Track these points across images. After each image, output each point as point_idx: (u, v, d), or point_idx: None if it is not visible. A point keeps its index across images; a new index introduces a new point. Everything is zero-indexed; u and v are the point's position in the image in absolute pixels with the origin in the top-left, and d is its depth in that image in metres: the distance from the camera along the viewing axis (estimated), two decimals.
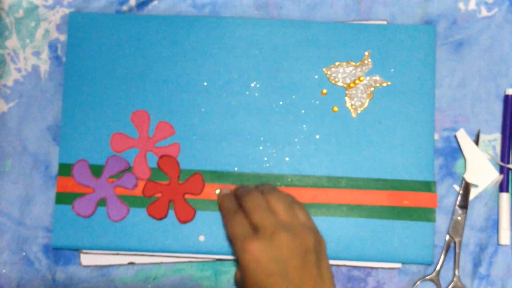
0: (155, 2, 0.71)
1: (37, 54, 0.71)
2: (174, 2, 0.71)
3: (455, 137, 0.69)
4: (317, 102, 0.68)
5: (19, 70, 0.70)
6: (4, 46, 0.71)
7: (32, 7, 0.71)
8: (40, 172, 0.69)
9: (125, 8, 0.71)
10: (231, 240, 0.60)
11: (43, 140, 0.69)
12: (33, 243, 0.68)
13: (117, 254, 0.67)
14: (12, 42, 0.71)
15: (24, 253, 0.68)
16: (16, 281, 0.68)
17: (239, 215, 0.60)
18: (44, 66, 0.70)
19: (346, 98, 0.68)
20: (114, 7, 0.71)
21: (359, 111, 0.68)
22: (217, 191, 0.66)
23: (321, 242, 0.60)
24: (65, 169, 0.68)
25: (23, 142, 0.69)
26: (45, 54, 0.71)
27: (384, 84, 0.68)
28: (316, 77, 0.68)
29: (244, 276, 0.58)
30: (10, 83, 0.70)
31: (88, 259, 0.68)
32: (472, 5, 0.70)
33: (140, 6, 0.71)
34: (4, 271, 0.68)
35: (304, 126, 0.68)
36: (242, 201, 0.61)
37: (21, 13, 0.71)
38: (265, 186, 0.63)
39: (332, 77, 0.68)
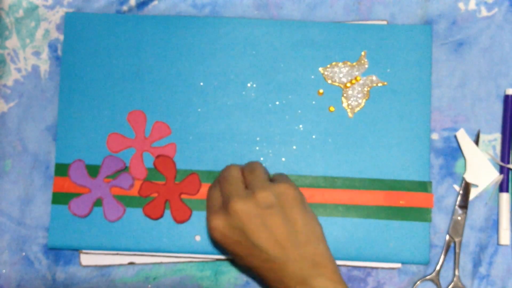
0: (155, 2, 0.71)
1: (37, 54, 0.71)
2: (174, 2, 0.71)
3: (455, 137, 0.69)
4: (314, 102, 0.68)
5: (19, 70, 0.70)
6: (4, 46, 0.71)
7: (32, 7, 0.71)
8: (40, 172, 0.69)
9: (125, 8, 0.71)
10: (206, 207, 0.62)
11: (43, 140, 0.69)
12: (33, 243, 0.68)
13: (117, 254, 0.67)
14: (12, 42, 0.71)
15: (24, 253, 0.68)
16: (16, 281, 0.68)
17: (214, 189, 0.61)
18: (44, 66, 0.70)
19: (343, 98, 0.68)
20: (114, 7, 0.71)
21: (355, 111, 0.68)
22: None
23: (286, 191, 0.59)
24: (61, 169, 0.68)
25: (23, 142, 0.69)
26: (45, 54, 0.71)
27: (380, 84, 0.68)
28: (313, 77, 0.68)
29: (226, 251, 0.60)
30: (10, 83, 0.70)
31: (88, 259, 0.68)
32: (472, 5, 0.70)
33: (140, 6, 0.71)
34: (4, 271, 0.68)
35: (300, 126, 0.68)
36: (222, 173, 0.62)
37: (21, 13, 0.71)
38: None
39: (328, 77, 0.68)
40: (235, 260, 0.60)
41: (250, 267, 0.60)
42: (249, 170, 0.61)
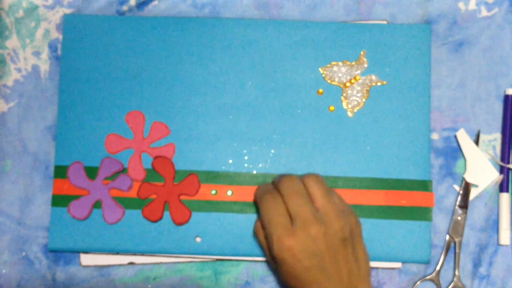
0: (155, 2, 0.71)
1: (37, 54, 0.71)
2: (174, 2, 0.71)
3: (455, 137, 0.69)
4: (313, 102, 0.68)
5: (19, 70, 0.70)
6: (4, 46, 0.71)
7: (32, 7, 0.71)
8: (40, 172, 0.69)
9: (125, 8, 0.71)
10: (265, 226, 0.60)
11: (43, 140, 0.69)
12: (33, 243, 0.68)
13: (117, 254, 0.67)
14: (12, 42, 0.71)
15: (24, 253, 0.68)
16: (16, 281, 0.68)
17: (276, 201, 0.59)
18: (44, 66, 0.70)
19: (342, 98, 0.68)
20: (114, 7, 0.71)
21: (355, 111, 0.68)
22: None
23: (357, 226, 0.60)
24: (60, 171, 0.68)
25: (23, 142, 0.69)
26: (45, 54, 0.71)
27: (380, 83, 0.68)
28: (312, 76, 0.68)
29: (281, 269, 0.59)
30: (10, 83, 0.70)
31: (88, 259, 0.68)
32: (472, 5, 0.70)
33: (140, 6, 0.71)
34: (4, 271, 0.68)
35: (300, 125, 0.68)
36: (279, 185, 0.61)
37: (21, 13, 0.71)
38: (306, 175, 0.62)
39: (328, 77, 0.68)
40: (284, 277, 0.59)
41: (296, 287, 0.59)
42: (320, 191, 0.60)
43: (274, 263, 0.62)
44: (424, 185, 0.67)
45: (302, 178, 0.61)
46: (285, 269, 0.58)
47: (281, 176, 0.62)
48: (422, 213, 0.66)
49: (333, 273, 0.58)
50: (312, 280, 0.58)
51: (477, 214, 0.68)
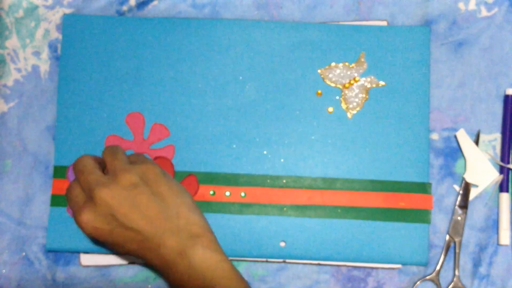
0: (155, 2, 0.71)
1: (37, 54, 0.71)
2: (174, 2, 0.71)
3: (455, 137, 0.69)
4: (312, 103, 0.68)
5: (19, 70, 0.70)
6: (4, 46, 0.71)
7: (32, 7, 0.71)
8: (40, 172, 0.69)
9: (125, 8, 0.71)
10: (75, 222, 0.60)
11: (43, 140, 0.69)
12: (33, 243, 0.68)
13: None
14: (12, 42, 0.71)
15: (24, 253, 0.68)
16: (16, 281, 0.68)
17: (71, 189, 0.60)
18: (44, 66, 0.70)
19: (341, 99, 0.68)
20: (114, 7, 0.71)
21: (354, 112, 0.68)
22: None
23: (150, 169, 0.59)
24: (60, 172, 0.68)
25: (23, 142, 0.69)
26: (45, 54, 0.71)
27: (379, 85, 0.68)
28: (311, 78, 0.68)
29: (103, 245, 0.59)
30: (10, 83, 0.70)
31: (88, 259, 0.68)
32: (472, 5, 0.70)
33: (140, 6, 0.71)
34: (4, 271, 0.68)
35: (299, 127, 0.68)
36: (73, 167, 0.61)
37: (21, 13, 0.71)
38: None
39: (327, 78, 0.68)
40: (115, 252, 0.59)
41: (130, 253, 0.59)
42: (110, 155, 0.60)
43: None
44: (423, 188, 0.67)
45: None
46: (100, 243, 0.59)
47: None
48: (420, 216, 0.66)
49: (139, 223, 0.57)
50: (124, 239, 0.57)
51: (477, 214, 0.68)
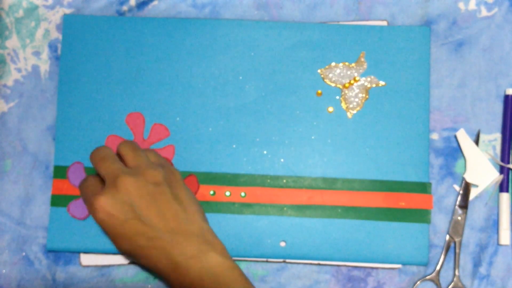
0: (155, 2, 0.71)
1: (37, 54, 0.71)
2: (174, 2, 0.71)
3: (455, 137, 0.69)
4: (313, 103, 0.68)
5: (19, 70, 0.70)
6: (4, 46, 0.71)
7: (32, 7, 0.71)
8: (40, 172, 0.69)
9: (125, 8, 0.71)
10: (88, 209, 0.60)
11: (43, 140, 0.69)
12: (33, 243, 0.68)
13: (117, 254, 0.67)
14: (12, 42, 0.71)
15: (24, 253, 0.68)
16: (16, 281, 0.68)
17: (85, 179, 0.60)
18: (44, 66, 0.70)
19: (341, 99, 0.68)
20: (114, 7, 0.71)
21: (354, 112, 0.68)
22: None
23: (173, 173, 0.60)
24: (60, 172, 0.68)
25: (23, 142, 0.69)
26: (45, 54, 0.71)
27: (379, 85, 0.68)
28: (311, 78, 0.68)
29: (109, 236, 0.59)
30: (10, 83, 0.70)
31: (88, 259, 0.68)
32: (472, 5, 0.70)
33: (140, 6, 0.71)
34: (4, 271, 0.68)
35: (299, 127, 0.68)
36: (90, 159, 0.61)
37: (21, 13, 0.71)
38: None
39: (327, 78, 0.68)
40: (115, 245, 0.59)
41: (133, 249, 0.58)
42: (132, 150, 0.61)
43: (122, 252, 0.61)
44: (423, 187, 0.67)
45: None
46: (110, 233, 0.58)
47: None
48: (420, 215, 0.66)
49: (155, 220, 0.57)
50: (135, 232, 0.57)
51: (477, 214, 0.68)
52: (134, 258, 0.60)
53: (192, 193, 0.61)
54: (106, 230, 0.58)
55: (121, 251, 0.60)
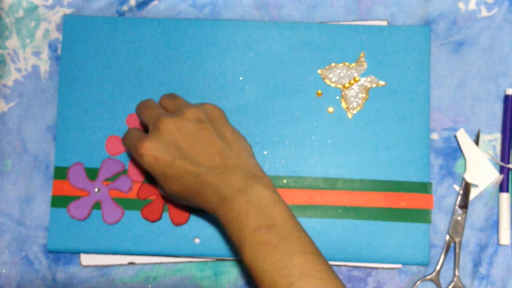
0: (155, 2, 0.71)
1: (37, 54, 0.71)
2: (174, 2, 0.71)
3: (455, 137, 0.69)
4: (313, 103, 0.68)
5: (19, 70, 0.70)
6: (4, 46, 0.71)
7: (32, 7, 0.71)
8: (40, 172, 0.69)
9: (125, 8, 0.71)
10: (132, 158, 0.60)
11: (43, 140, 0.69)
12: (33, 243, 0.68)
13: (117, 254, 0.67)
14: (12, 42, 0.71)
15: (24, 253, 0.68)
16: (16, 281, 0.68)
17: (130, 130, 0.61)
18: (44, 66, 0.70)
19: (342, 99, 0.68)
20: (114, 7, 0.71)
21: (354, 112, 0.68)
22: None
23: (214, 110, 0.60)
24: (60, 172, 0.68)
25: (23, 142, 0.69)
26: (45, 54, 0.71)
27: (380, 85, 0.68)
28: (312, 78, 0.68)
29: (158, 179, 0.59)
30: (10, 83, 0.70)
31: (88, 259, 0.68)
32: (472, 5, 0.70)
33: (140, 6, 0.71)
34: (4, 271, 0.68)
35: (299, 127, 0.68)
36: (136, 110, 0.62)
37: (21, 13, 0.71)
38: None
39: (327, 78, 0.68)
40: (164, 188, 0.59)
41: (182, 189, 0.58)
42: (171, 98, 0.62)
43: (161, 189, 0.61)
44: (423, 187, 0.67)
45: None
46: (157, 176, 0.58)
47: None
48: (421, 215, 0.66)
49: (200, 157, 0.57)
50: (183, 171, 0.57)
51: (477, 214, 0.68)
52: (185, 199, 0.59)
53: (236, 130, 0.61)
54: (154, 173, 0.58)
55: (171, 194, 0.59)
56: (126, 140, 0.62)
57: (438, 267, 0.67)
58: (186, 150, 0.57)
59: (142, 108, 0.61)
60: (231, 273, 0.68)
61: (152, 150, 0.57)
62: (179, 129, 0.57)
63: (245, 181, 0.57)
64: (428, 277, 0.67)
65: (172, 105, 0.61)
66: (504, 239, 0.67)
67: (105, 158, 0.67)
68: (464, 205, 0.68)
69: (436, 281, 0.67)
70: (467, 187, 0.68)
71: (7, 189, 0.69)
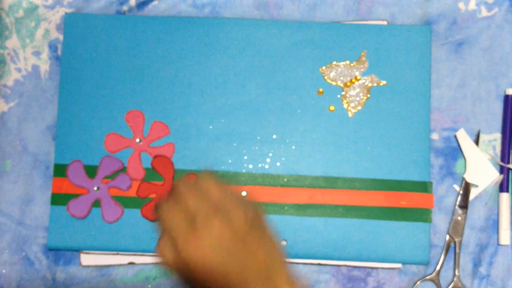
0: (155, 2, 0.71)
1: (37, 54, 0.71)
2: (174, 2, 0.71)
3: (455, 137, 0.69)
4: (313, 102, 0.68)
5: (19, 70, 0.70)
6: (4, 46, 0.71)
7: (32, 7, 0.71)
8: (40, 172, 0.69)
9: (125, 8, 0.71)
10: (168, 236, 0.55)
11: (43, 140, 0.69)
12: (33, 243, 0.68)
13: (117, 254, 0.67)
14: (12, 42, 0.71)
15: (24, 253, 0.68)
16: (16, 281, 0.68)
17: (172, 208, 0.56)
18: (44, 66, 0.70)
19: (343, 98, 0.68)
20: (114, 7, 0.71)
21: (355, 111, 0.68)
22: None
23: (258, 213, 0.58)
24: (60, 170, 0.68)
25: (23, 142, 0.69)
26: (45, 54, 0.71)
27: (381, 84, 0.68)
28: (313, 76, 0.68)
29: (198, 275, 0.57)
30: (10, 83, 0.70)
31: (88, 259, 0.68)
32: (472, 5, 0.70)
33: (140, 6, 0.71)
34: (4, 271, 0.68)
35: (300, 125, 0.68)
36: (174, 188, 0.57)
37: (21, 13, 0.71)
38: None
39: (328, 77, 0.68)
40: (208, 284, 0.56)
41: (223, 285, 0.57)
42: (216, 186, 0.57)
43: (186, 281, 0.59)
44: (424, 187, 0.67)
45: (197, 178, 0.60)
46: (200, 272, 0.55)
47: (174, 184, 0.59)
48: (421, 215, 0.66)
49: (248, 258, 0.55)
50: (232, 271, 0.56)
51: (477, 214, 0.68)
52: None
53: (271, 230, 0.58)
54: (199, 270, 0.55)
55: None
56: (165, 222, 0.55)
57: (438, 267, 0.67)
58: (236, 250, 0.55)
59: (184, 188, 0.56)
60: None
61: (203, 246, 0.54)
62: (232, 229, 0.55)
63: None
64: (428, 277, 0.67)
65: (217, 193, 0.57)
66: (504, 239, 0.67)
67: (104, 156, 0.67)
68: (464, 205, 0.68)
69: (436, 281, 0.67)
70: (467, 187, 0.68)
71: (7, 189, 0.69)
